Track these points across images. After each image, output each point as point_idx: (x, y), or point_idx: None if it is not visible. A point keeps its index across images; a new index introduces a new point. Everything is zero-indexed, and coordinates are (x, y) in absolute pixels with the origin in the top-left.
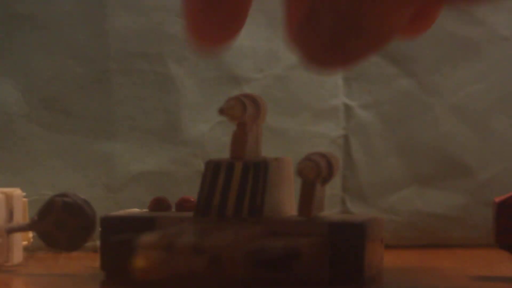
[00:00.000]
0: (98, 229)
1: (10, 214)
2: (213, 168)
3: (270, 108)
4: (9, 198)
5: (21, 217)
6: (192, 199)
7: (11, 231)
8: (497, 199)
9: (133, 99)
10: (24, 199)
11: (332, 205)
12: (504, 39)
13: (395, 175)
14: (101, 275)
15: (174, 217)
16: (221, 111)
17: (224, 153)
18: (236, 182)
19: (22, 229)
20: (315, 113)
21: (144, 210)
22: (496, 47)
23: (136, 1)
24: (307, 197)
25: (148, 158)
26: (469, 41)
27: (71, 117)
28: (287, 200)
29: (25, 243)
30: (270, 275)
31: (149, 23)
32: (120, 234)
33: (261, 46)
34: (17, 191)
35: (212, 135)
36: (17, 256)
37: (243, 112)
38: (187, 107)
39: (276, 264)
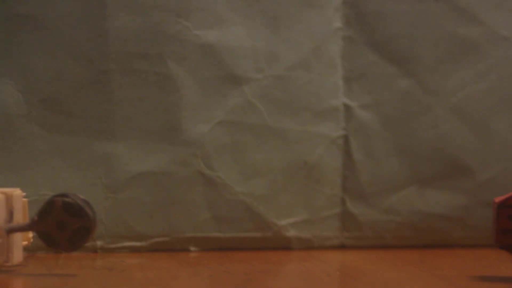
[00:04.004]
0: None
1: (10, 214)
2: None
3: (270, 108)
4: (9, 198)
5: (21, 217)
6: None
7: (11, 231)
8: (497, 199)
9: (133, 99)
10: (24, 199)
11: (332, 205)
12: (504, 39)
13: (395, 175)
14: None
15: None
16: None
17: (224, 154)
18: None
19: (22, 229)
20: (315, 113)
21: None
22: (496, 47)
23: (136, 1)
24: None
25: (148, 158)
26: (469, 41)
27: (71, 117)
28: None
29: (25, 243)
30: None
31: (149, 23)
32: None
33: (261, 46)
34: (17, 191)
35: (212, 135)
36: (17, 256)
37: None
38: (187, 107)
39: None
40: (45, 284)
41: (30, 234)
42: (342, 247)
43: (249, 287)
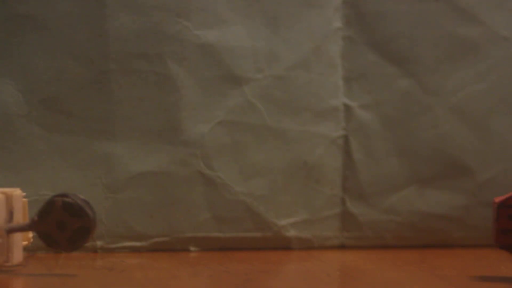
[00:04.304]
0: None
1: (10, 214)
2: None
3: (270, 108)
4: (9, 198)
5: (21, 217)
6: None
7: (11, 231)
8: (497, 199)
9: (133, 99)
10: (24, 199)
11: (332, 205)
12: (504, 39)
13: (395, 175)
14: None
15: None
16: None
17: (224, 154)
18: None
19: (22, 229)
20: (315, 113)
21: None
22: (496, 47)
23: (136, 1)
24: None
25: (148, 158)
26: (469, 41)
27: (71, 117)
28: None
29: (25, 243)
30: None
31: (149, 23)
32: None
33: (261, 46)
34: (17, 191)
35: (212, 135)
36: (17, 256)
37: None
38: (187, 107)
39: None
40: (45, 284)
41: (30, 234)
42: (342, 247)
43: (249, 287)
